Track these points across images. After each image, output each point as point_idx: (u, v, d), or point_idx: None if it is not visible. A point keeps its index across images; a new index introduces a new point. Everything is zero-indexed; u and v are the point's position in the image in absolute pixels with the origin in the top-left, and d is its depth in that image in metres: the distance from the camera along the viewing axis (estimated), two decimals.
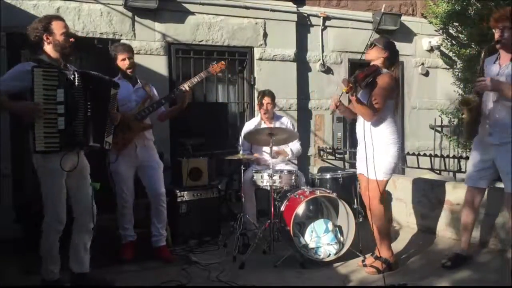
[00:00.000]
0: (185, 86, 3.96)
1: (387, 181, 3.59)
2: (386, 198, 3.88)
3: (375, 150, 3.47)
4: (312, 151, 6.42)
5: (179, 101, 4.06)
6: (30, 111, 2.86)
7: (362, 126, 3.47)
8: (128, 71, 3.96)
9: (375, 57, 3.53)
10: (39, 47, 3.07)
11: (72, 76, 2.95)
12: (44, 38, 3.04)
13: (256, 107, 5.25)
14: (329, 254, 3.89)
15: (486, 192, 3.92)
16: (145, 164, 3.98)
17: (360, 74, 3.35)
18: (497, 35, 3.30)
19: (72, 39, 3.13)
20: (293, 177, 4.22)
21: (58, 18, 3.15)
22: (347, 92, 3.27)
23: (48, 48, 3.07)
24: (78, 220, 3.22)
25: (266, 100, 4.90)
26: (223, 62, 4.17)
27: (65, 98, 2.90)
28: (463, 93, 6.35)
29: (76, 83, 2.94)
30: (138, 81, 4.07)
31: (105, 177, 3.77)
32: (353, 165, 5.30)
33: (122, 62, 3.93)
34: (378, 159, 3.46)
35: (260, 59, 5.96)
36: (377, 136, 3.49)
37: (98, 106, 3.08)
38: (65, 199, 3.10)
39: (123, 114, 3.62)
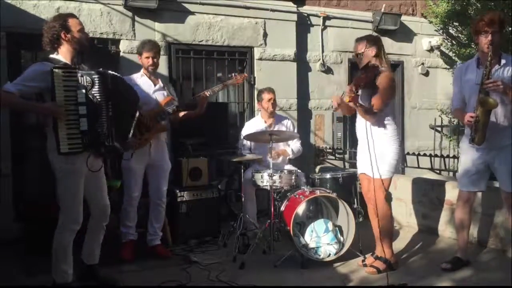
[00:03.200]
0: (207, 93, 4.03)
1: (390, 179, 3.61)
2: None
3: (377, 148, 3.47)
4: (312, 151, 6.41)
5: (198, 106, 4.09)
6: (53, 112, 2.86)
7: (364, 125, 3.49)
8: (150, 68, 4.02)
9: (369, 59, 3.55)
10: (54, 46, 3.06)
11: (93, 76, 2.95)
12: (62, 35, 3.02)
13: (257, 106, 5.23)
14: (329, 254, 3.88)
15: (485, 192, 3.93)
16: (156, 165, 4.02)
17: (362, 79, 3.37)
18: (487, 39, 3.29)
19: (88, 35, 3.17)
20: (293, 177, 4.22)
21: (73, 16, 3.16)
22: (349, 102, 3.32)
23: (65, 47, 3.05)
24: (95, 218, 3.24)
25: (270, 96, 4.85)
26: (245, 74, 4.35)
27: (86, 99, 2.90)
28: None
29: (97, 83, 2.94)
30: (160, 81, 4.10)
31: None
32: (353, 165, 5.30)
33: (146, 59, 4.00)
34: (381, 157, 3.48)
35: (260, 59, 5.96)
36: (379, 135, 3.51)
37: (120, 105, 3.06)
38: (82, 199, 3.09)
39: (144, 115, 3.74)
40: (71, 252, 3.09)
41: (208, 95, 4.06)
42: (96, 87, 2.94)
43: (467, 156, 3.56)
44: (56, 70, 2.86)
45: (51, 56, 3.05)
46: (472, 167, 3.53)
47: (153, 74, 4.09)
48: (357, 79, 3.41)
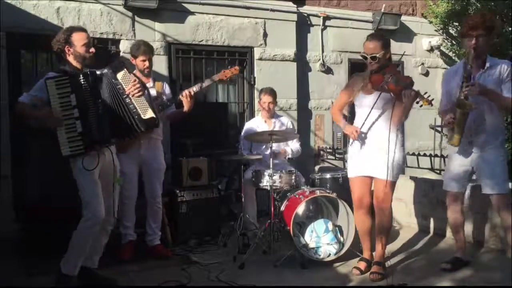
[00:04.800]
0: (192, 90, 3.93)
1: None
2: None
3: (396, 151, 3.44)
4: (312, 151, 6.41)
5: (184, 105, 4.02)
6: (51, 119, 3.01)
7: (387, 127, 3.40)
8: (146, 71, 4.04)
9: (384, 62, 3.41)
10: (62, 57, 3.20)
11: (79, 78, 3.07)
12: (66, 50, 3.15)
13: (257, 106, 5.23)
14: (329, 254, 3.88)
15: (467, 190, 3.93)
16: (148, 163, 4.01)
17: (405, 81, 3.32)
18: (471, 42, 3.29)
19: (92, 50, 3.21)
20: (293, 177, 4.21)
21: (80, 29, 3.23)
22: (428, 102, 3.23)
23: (70, 59, 3.18)
24: None
25: (268, 98, 4.85)
26: (236, 67, 4.11)
27: (77, 102, 3.04)
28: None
29: (82, 85, 3.06)
30: (151, 81, 4.08)
31: None
32: None
33: (142, 62, 4.00)
34: (398, 160, 3.46)
35: (260, 59, 5.96)
36: (398, 138, 3.46)
37: (112, 100, 3.10)
38: (102, 197, 3.13)
39: None
40: (86, 250, 3.13)
41: (194, 91, 3.93)
42: (83, 88, 3.06)
43: (455, 158, 3.56)
44: (48, 81, 3.02)
45: (61, 67, 3.21)
46: (460, 169, 3.54)
47: (148, 75, 4.08)
48: (401, 80, 3.32)
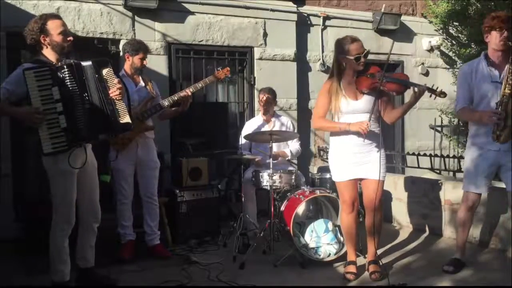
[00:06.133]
0: (188, 91, 4.00)
1: None
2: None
3: (383, 150, 3.47)
4: (312, 151, 6.41)
5: (181, 104, 4.08)
6: (31, 116, 2.80)
7: (378, 128, 3.44)
8: (142, 68, 4.03)
9: None
10: (37, 49, 2.98)
11: (62, 70, 2.85)
12: (41, 40, 2.92)
13: (257, 105, 5.23)
14: (329, 254, 3.89)
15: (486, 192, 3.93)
16: (144, 162, 4.01)
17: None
18: (502, 36, 3.24)
19: (70, 38, 2.99)
20: (293, 177, 4.21)
21: (54, 16, 3.01)
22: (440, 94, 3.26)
23: (47, 50, 2.97)
24: (84, 219, 3.17)
25: (263, 95, 4.86)
26: (228, 68, 4.23)
27: (61, 95, 2.83)
28: None
29: (67, 77, 2.85)
30: (141, 79, 4.07)
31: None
32: None
33: (140, 60, 3.97)
34: (384, 158, 3.48)
35: (260, 59, 5.96)
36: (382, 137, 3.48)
37: (97, 95, 2.93)
38: (75, 200, 3.04)
39: None
40: (66, 252, 3.06)
41: (190, 92, 4.01)
42: (67, 80, 2.84)
43: (478, 157, 3.45)
44: (27, 72, 2.77)
45: (36, 57, 2.99)
46: (483, 168, 3.44)
47: (140, 73, 4.08)
48: (397, 77, 3.38)
